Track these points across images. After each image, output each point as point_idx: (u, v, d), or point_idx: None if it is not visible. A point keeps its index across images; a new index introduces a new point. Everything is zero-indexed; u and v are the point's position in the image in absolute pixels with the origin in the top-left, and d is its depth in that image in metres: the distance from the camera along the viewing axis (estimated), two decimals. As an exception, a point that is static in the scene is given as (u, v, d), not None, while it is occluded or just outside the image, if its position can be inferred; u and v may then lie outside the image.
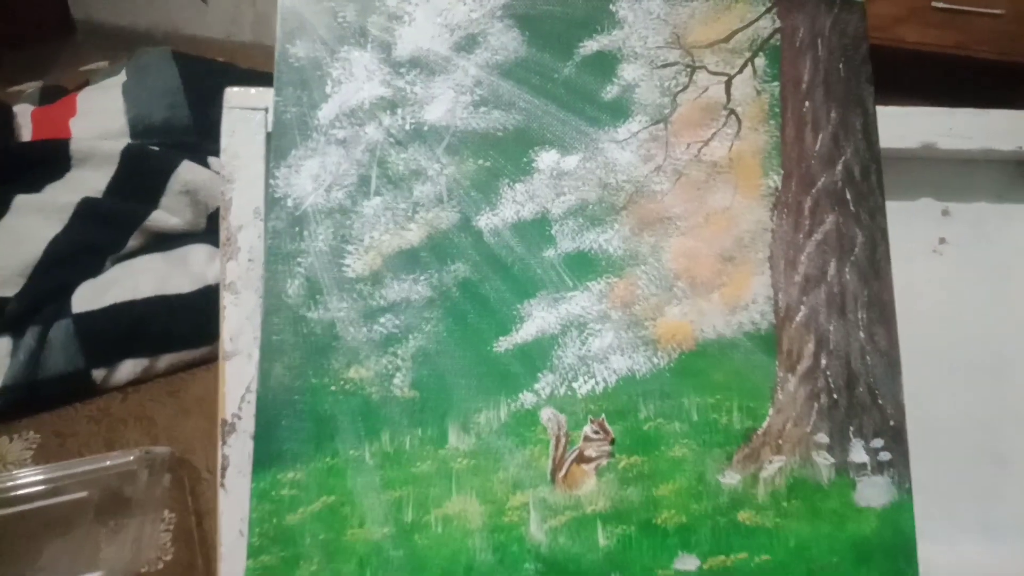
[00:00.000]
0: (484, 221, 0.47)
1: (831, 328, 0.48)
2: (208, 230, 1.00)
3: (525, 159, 0.48)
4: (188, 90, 1.09)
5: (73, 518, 0.73)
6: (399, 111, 0.48)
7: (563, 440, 0.45)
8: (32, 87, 1.38)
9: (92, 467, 0.76)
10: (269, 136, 0.48)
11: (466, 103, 0.48)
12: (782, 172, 0.49)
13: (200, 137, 1.04)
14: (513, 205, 0.47)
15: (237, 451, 0.48)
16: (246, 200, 0.49)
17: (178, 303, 0.93)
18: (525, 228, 0.47)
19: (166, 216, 0.98)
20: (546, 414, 0.46)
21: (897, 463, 0.46)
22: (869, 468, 0.46)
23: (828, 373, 0.47)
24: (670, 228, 0.48)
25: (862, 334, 0.47)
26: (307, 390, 0.45)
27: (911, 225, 0.56)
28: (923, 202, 0.57)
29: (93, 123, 1.09)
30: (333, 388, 0.45)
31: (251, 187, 0.49)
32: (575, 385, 0.46)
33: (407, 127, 0.48)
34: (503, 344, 0.46)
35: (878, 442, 0.46)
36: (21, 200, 0.94)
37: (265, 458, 0.44)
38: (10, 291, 0.89)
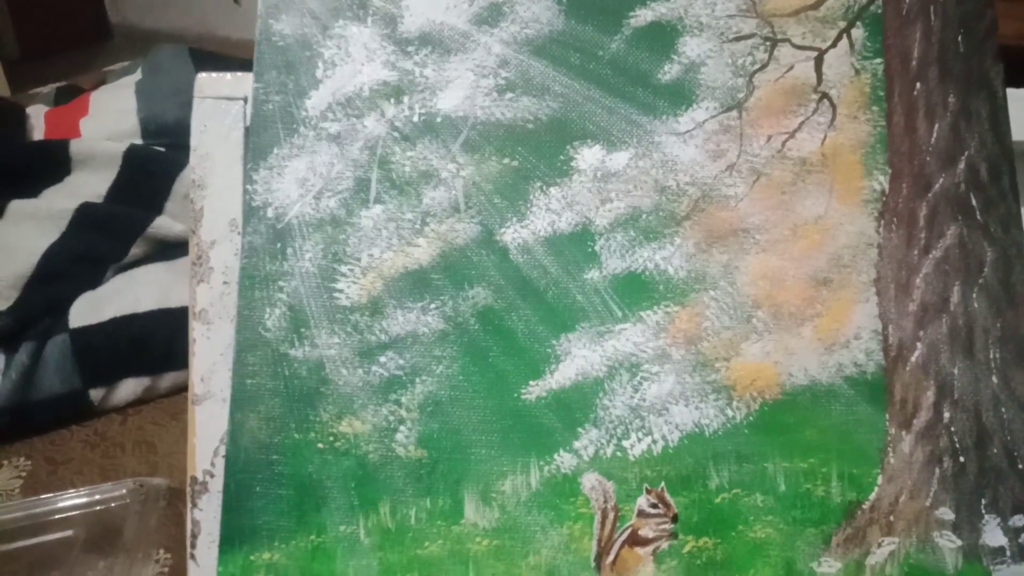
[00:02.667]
0: (510, 235, 0.38)
1: (956, 371, 0.37)
2: (214, 238, 0.92)
3: (562, 157, 0.39)
4: (203, 88, 1.02)
5: (58, 558, 0.66)
6: (406, 99, 0.39)
7: (611, 515, 0.36)
8: (48, 88, 1.34)
9: (81, 500, 0.69)
10: (248, 132, 0.40)
11: (488, 88, 0.39)
12: (889, 172, 0.39)
13: (213, 137, 0.97)
14: (547, 215, 0.38)
15: (210, 516, 0.40)
16: (220, 210, 0.40)
17: (183, 317, 0.85)
18: (562, 243, 0.38)
19: (170, 222, 0.92)
20: (589, 481, 0.36)
21: (1047, 549, 0.35)
22: (1008, 554, 0.36)
23: (953, 429, 0.37)
24: (747, 243, 0.38)
25: (995, 379, 0.37)
26: (288, 448, 0.36)
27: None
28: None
29: (104, 123, 1.05)
30: (321, 446, 0.36)
31: (226, 194, 0.40)
32: (626, 444, 0.37)
33: (415, 119, 0.39)
34: (534, 390, 0.37)
35: (1019, 519, 0.36)
36: (16, 206, 0.89)
37: (235, 534, 0.35)
38: (2, 305, 0.83)
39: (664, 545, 0.36)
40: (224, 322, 0.40)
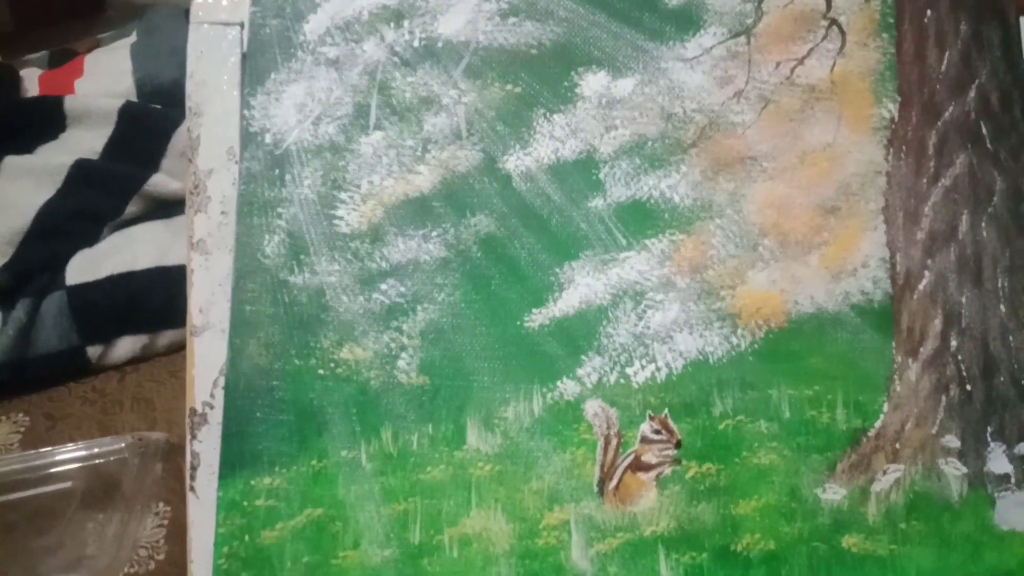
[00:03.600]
0: (513, 162, 0.38)
1: (963, 300, 0.37)
2: (212, 195, 0.91)
3: (566, 83, 0.38)
4: (199, 49, 1.00)
5: (57, 510, 0.66)
6: (406, 23, 0.39)
7: (614, 441, 0.36)
8: (42, 53, 1.32)
9: (79, 454, 0.69)
10: (245, 58, 0.39)
11: (491, 13, 0.39)
12: (899, 100, 0.39)
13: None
14: (550, 142, 0.38)
15: (210, 448, 0.39)
16: (217, 138, 0.39)
17: (180, 275, 0.84)
18: (566, 171, 0.38)
19: (167, 180, 0.91)
20: (592, 408, 0.36)
21: (1052, 476, 0.35)
22: (1013, 480, 0.36)
23: (959, 358, 0.36)
24: (754, 171, 0.38)
25: (1003, 308, 0.37)
26: (288, 374, 0.36)
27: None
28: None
29: (99, 84, 1.03)
30: (321, 372, 0.36)
31: (224, 122, 0.39)
32: (629, 371, 0.36)
33: (416, 43, 0.38)
34: (537, 318, 0.36)
35: (1025, 448, 0.36)
36: (10, 162, 0.87)
37: (236, 460, 0.35)
38: (-2, 261, 0.82)
39: (667, 471, 0.35)
40: (222, 253, 0.40)
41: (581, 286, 0.37)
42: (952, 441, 0.36)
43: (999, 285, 0.37)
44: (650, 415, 0.36)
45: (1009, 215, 0.38)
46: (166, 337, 0.84)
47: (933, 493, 0.35)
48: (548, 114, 0.38)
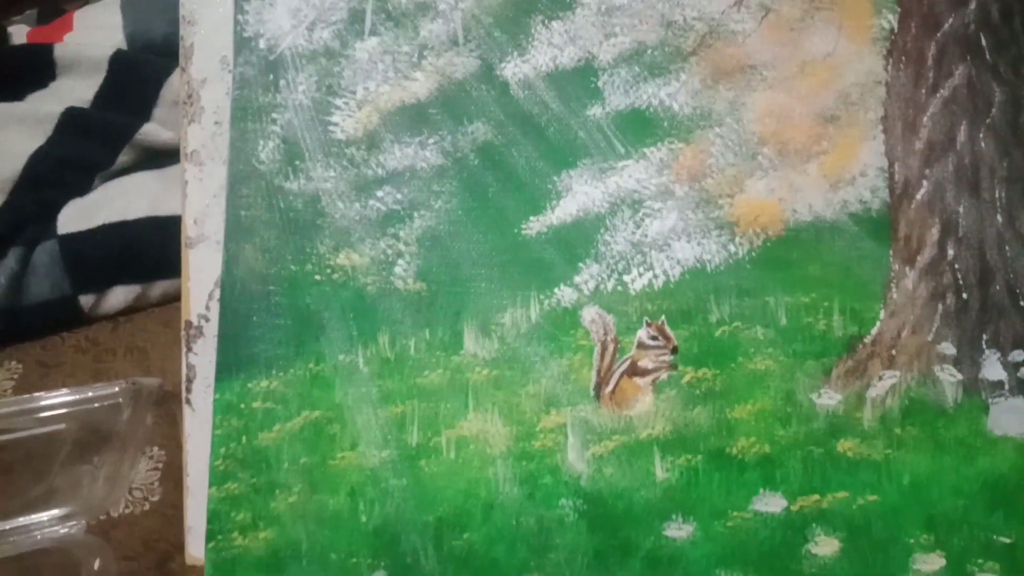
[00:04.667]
0: (511, 69, 0.37)
1: (960, 209, 0.37)
2: (205, 144, 0.90)
3: (565, -10, 0.37)
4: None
5: (50, 452, 0.66)
6: (402, -72, 0.37)
7: (611, 347, 0.35)
8: (30, 11, 1.30)
9: (73, 398, 0.69)
10: (239, -37, 0.38)
11: (489, -82, 0.38)
12: (898, 10, 0.38)
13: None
14: (549, 49, 0.37)
15: (206, 360, 0.39)
16: (211, 47, 0.39)
17: (173, 226, 0.84)
18: (564, 79, 0.37)
19: (158, 129, 0.90)
20: (589, 314, 0.36)
21: (1045, 382, 0.35)
22: (1007, 387, 0.36)
23: (956, 266, 0.36)
24: (754, 80, 0.37)
25: (1000, 217, 0.37)
26: (285, 279, 0.35)
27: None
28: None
29: (89, 39, 1.01)
30: (318, 277, 0.35)
31: (218, 30, 0.39)
32: (627, 278, 0.36)
33: (413, -52, 0.37)
34: (534, 225, 0.36)
35: (1019, 354, 0.36)
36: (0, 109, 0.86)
37: (232, 363, 0.35)
38: (-12, 208, 0.81)
39: (663, 376, 0.36)
40: (216, 164, 0.39)
41: (579, 194, 0.37)
42: (948, 348, 0.36)
43: (996, 195, 0.37)
44: (647, 321, 0.36)
45: (1007, 126, 0.38)
46: (159, 288, 0.84)
47: (928, 399, 0.36)
48: (546, 21, 0.38)
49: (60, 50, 0.92)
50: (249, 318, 0.35)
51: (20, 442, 0.67)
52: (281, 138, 0.37)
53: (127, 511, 0.64)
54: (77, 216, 0.82)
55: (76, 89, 0.90)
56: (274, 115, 0.37)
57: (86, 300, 0.81)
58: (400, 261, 0.36)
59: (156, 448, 0.70)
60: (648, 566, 0.34)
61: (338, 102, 0.37)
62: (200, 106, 0.39)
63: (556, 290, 0.36)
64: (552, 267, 0.36)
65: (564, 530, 0.34)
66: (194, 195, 0.39)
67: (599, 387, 0.35)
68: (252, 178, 0.36)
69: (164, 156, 0.90)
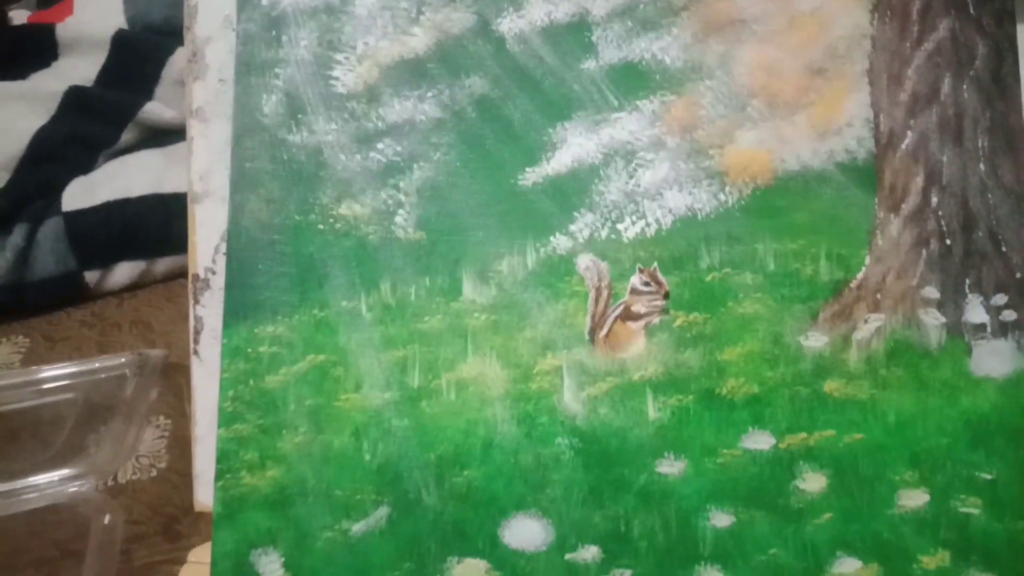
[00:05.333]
0: (507, 24, 0.38)
1: (944, 159, 0.38)
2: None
3: (559, -53, 0.38)
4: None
5: (57, 421, 0.67)
6: None
7: (605, 293, 0.37)
8: (29, -3, 1.31)
9: (79, 369, 0.70)
10: (241, -77, 0.39)
11: None
12: (885, -35, 0.39)
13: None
14: (544, 4, 0.38)
15: (213, 312, 0.40)
16: (215, 6, 0.40)
17: (176, 203, 0.85)
18: (559, 33, 0.38)
19: (161, 108, 0.90)
20: (584, 262, 0.37)
21: (1025, 324, 0.36)
22: (989, 330, 0.37)
23: (940, 213, 0.37)
24: (744, 33, 0.38)
25: (982, 166, 0.38)
26: (289, 229, 0.36)
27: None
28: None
29: (90, 23, 1.02)
30: (321, 227, 0.37)
31: (221, -11, 0.40)
32: (620, 227, 0.37)
33: (410, -93, 0.38)
34: (530, 176, 0.37)
35: (1000, 298, 0.37)
36: (3, 88, 0.87)
37: (239, 309, 0.36)
38: (-6, 186, 0.82)
39: (655, 320, 0.37)
40: (221, 120, 0.40)
41: (574, 146, 0.38)
42: (932, 292, 0.37)
43: (979, 145, 0.38)
44: (640, 268, 0.37)
45: (990, 78, 0.39)
46: (163, 264, 0.85)
47: (913, 341, 0.37)
48: (541, -23, 0.38)
49: (62, 30, 0.92)
50: (255, 266, 0.36)
51: (27, 411, 0.68)
52: (284, 92, 0.38)
53: (134, 477, 0.66)
54: (81, 193, 0.83)
55: (79, 68, 0.91)
56: (277, 70, 0.38)
57: (91, 276, 0.82)
58: (400, 211, 0.37)
59: (162, 417, 0.72)
60: (641, 501, 0.35)
61: (339, 57, 0.38)
62: (205, 64, 0.40)
63: (552, 238, 0.37)
64: (548, 216, 0.37)
65: (560, 467, 0.35)
66: (199, 151, 0.40)
67: (594, 331, 0.37)
68: (256, 131, 0.37)
69: (167, 135, 0.91)
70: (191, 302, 0.41)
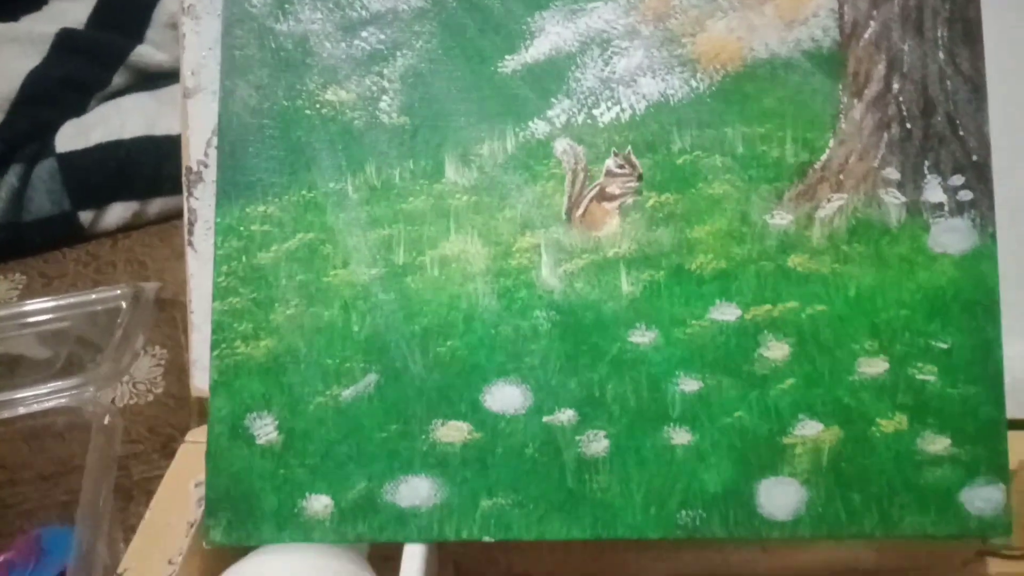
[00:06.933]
0: (486, -82, 0.39)
1: (905, 47, 0.39)
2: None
3: None
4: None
5: (56, 347, 0.69)
6: None
7: (581, 175, 0.38)
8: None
9: (76, 300, 0.72)
10: None
11: None
12: None
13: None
14: (522, -102, 0.39)
15: (206, 204, 0.42)
16: (203, -96, 0.41)
17: (168, 145, 0.87)
18: (536, -73, 0.39)
19: (152, 51, 0.91)
20: (561, 145, 0.38)
21: (979, 203, 0.38)
22: (946, 208, 0.38)
23: (901, 99, 0.39)
24: (713, -75, 0.39)
25: (941, 55, 0.39)
26: (278, 113, 0.38)
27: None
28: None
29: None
30: (308, 112, 0.38)
31: None
32: (596, 112, 0.39)
33: None
34: (510, 64, 0.39)
35: (957, 179, 0.39)
36: (-6, 29, 0.87)
37: (231, 189, 0.38)
38: (-13, 127, 0.83)
39: (629, 200, 0.38)
40: (211, 17, 0.42)
41: (551, 34, 0.39)
42: (892, 173, 0.39)
43: (938, 35, 0.40)
44: (614, 151, 0.39)
45: (952, -30, 0.40)
46: (156, 204, 0.87)
47: (873, 219, 0.39)
48: None
49: (52, -29, 0.92)
50: (246, 149, 0.38)
51: (27, 338, 0.70)
52: (271, -17, 0.39)
53: (132, 402, 0.68)
54: (74, 135, 0.84)
55: (69, 11, 0.91)
56: (264, -38, 0.39)
57: (85, 216, 0.83)
58: (384, 97, 0.38)
59: (158, 347, 0.73)
60: (614, 368, 0.37)
61: (324, -51, 0.39)
62: (194, -39, 0.41)
63: (530, 123, 0.39)
64: (526, 102, 0.39)
65: (539, 338, 0.37)
66: (190, 48, 0.42)
67: (570, 211, 0.38)
68: (245, 20, 0.39)
69: (158, 78, 0.92)
70: (184, 195, 0.43)
